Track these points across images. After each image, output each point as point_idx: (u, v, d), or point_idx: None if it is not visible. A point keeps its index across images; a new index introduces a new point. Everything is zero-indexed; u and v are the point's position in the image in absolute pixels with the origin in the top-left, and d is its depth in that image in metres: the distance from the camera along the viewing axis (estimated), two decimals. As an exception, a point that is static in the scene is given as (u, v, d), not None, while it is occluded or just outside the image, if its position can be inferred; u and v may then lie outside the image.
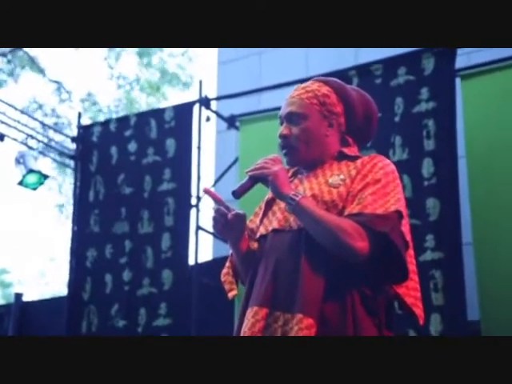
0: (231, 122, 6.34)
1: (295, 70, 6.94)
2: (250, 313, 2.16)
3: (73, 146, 6.91)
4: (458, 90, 5.18)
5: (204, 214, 6.51)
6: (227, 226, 2.29)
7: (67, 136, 7.32)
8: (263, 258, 2.24)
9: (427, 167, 5.02)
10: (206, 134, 7.58)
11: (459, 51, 5.16)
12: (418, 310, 2.21)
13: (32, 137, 6.81)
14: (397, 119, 5.21)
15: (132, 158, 6.32)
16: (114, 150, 6.42)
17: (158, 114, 6.41)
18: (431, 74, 5.17)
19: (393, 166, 2.25)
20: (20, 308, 7.28)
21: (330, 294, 2.09)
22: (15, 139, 6.60)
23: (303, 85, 2.38)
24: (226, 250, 2.47)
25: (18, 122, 6.62)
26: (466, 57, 5.53)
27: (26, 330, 6.99)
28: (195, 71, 14.53)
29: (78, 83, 17.83)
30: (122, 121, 6.61)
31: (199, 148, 6.12)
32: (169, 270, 5.88)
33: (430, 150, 5.04)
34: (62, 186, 13.35)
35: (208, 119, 6.28)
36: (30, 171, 6.46)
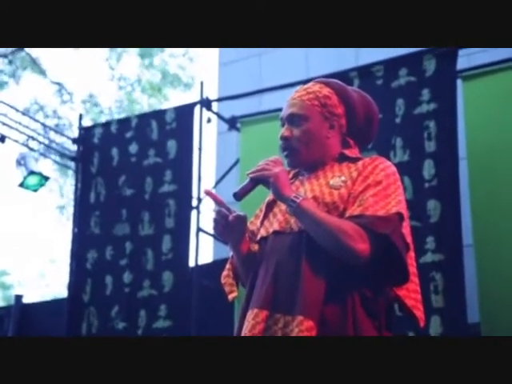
0: (232, 123, 6.34)
1: (296, 71, 6.94)
2: (250, 315, 2.15)
3: (74, 147, 6.91)
4: (459, 91, 5.18)
5: (205, 216, 6.52)
6: (228, 228, 2.29)
7: (68, 137, 7.32)
8: (264, 260, 2.23)
9: (428, 169, 5.02)
10: (207, 135, 7.59)
11: (460, 52, 5.16)
12: (419, 313, 2.21)
13: (33, 138, 6.81)
14: (398, 120, 5.21)
15: (133, 159, 6.31)
16: (115, 151, 6.42)
17: (159, 115, 6.40)
18: (432, 75, 5.16)
19: (394, 168, 2.25)
20: (20, 310, 7.27)
21: (331, 296, 2.09)
22: (16, 141, 6.60)
23: (304, 86, 2.38)
24: (227, 251, 2.46)
25: (19, 123, 6.62)
26: (467, 58, 5.52)
27: (26, 331, 6.99)
28: (196, 72, 14.56)
29: (80, 84, 17.86)
30: (123, 122, 6.61)
31: (200, 149, 6.12)
32: (169, 271, 5.87)
33: (430, 152, 5.04)
34: (62, 188, 13.36)
35: (209, 120, 6.27)
36: (31, 173, 6.45)
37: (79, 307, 6.18)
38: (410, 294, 2.20)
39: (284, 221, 2.25)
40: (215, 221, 2.29)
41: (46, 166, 10.68)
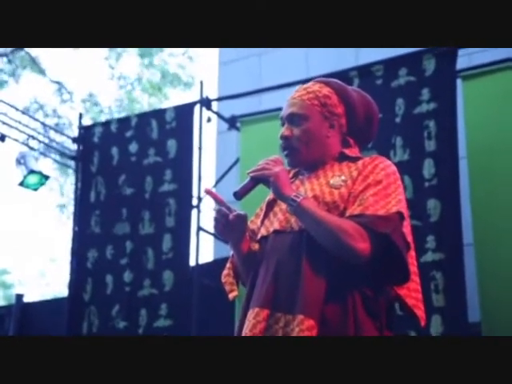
0: (232, 122, 6.35)
1: (296, 70, 6.94)
2: (251, 314, 2.16)
3: (74, 146, 6.91)
4: (458, 90, 5.18)
5: (205, 215, 6.52)
6: (228, 227, 2.29)
7: (68, 137, 7.32)
8: (264, 260, 2.23)
9: (428, 168, 5.02)
10: (207, 134, 7.59)
11: (460, 52, 5.16)
12: (420, 312, 2.21)
13: (33, 137, 6.81)
14: (398, 120, 5.21)
15: (133, 158, 6.31)
16: (115, 150, 6.42)
17: (159, 114, 6.41)
18: (432, 74, 5.17)
19: (394, 167, 2.25)
20: (21, 309, 7.28)
21: (331, 296, 2.09)
22: (16, 140, 6.60)
23: (304, 86, 2.38)
24: (227, 250, 2.47)
25: (19, 122, 6.62)
26: (467, 58, 5.53)
27: (27, 330, 6.99)
28: (196, 71, 14.56)
29: (80, 84, 17.86)
30: (123, 121, 6.61)
31: (200, 149, 6.12)
32: (170, 271, 5.87)
33: (430, 151, 5.04)
34: (63, 187, 13.36)
35: (209, 120, 6.27)
36: (31, 172, 6.46)
37: (80, 306, 6.19)
38: (411, 293, 2.20)
39: (284, 220, 2.25)
40: (216, 220, 2.30)
41: (46, 165, 10.70)
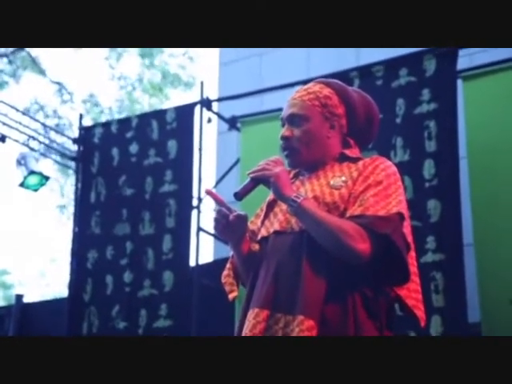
0: (232, 123, 6.34)
1: (296, 71, 6.94)
2: (250, 314, 2.16)
3: (74, 147, 6.91)
4: (459, 91, 5.18)
5: (205, 216, 6.52)
6: (228, 228, 2.29)
7: (69, 137, 7.32)
8: (264, 260, 2.23)
9: (428, 168, 5.02)
10: (208, 135, 7.60)
11: (461, 52, 5.16)
12: (420, 312, 2.21)
13: (33, 138, 6.81)
14: (398, 120, 5.21)
15: (133, 159, 6.32)
16: (115, 151, 6.42)
17: (159, 115, 6.41)
18: (433, 75, 5.17)
19: (394, 168, 2.25)
20: (21, 309, 7.28)
21: (332, 296, 2.09)
22: (16, 140, 6.60)
23: (305, 86, 2.38)
24: (227, 251, 2.47)
25: (20, 123, 6.62)
26: (467, 58, 5.53)
27: (27, 331, 6.99)
28: (196, 71, 14.56)
29: (80, 84, 17.86)
30: (124, 122, 6.61)
31: (200, 149, 6.12)
32: (170, 271, 5.87)
33: (431, 152, 5.04)
34: (63, 188, 13.36)
35: (209, 120, 6.28)
36: (32, 173, 6.46)
37: (80, 307, 6.19)
38: (411, 293, 2.20)
39: (285, 221, 2.25)
40: (216, 220, 2.29)
41: (47, 165, 10.69)
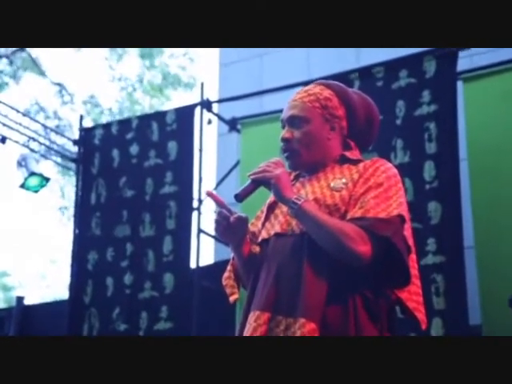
0: (233, 124, 6.34)
1: (297, 72, 6.93)
2: (251, 317, 2.15)
3: (75, 148, 6.91)
4: (459, 92, 5.17)
5: (206, 217, 6.52)
6: (229, 229, 2.28)
7: (69, 139, 7.32)
8: (265, 262, 2.23)
9: (429, 170, 5.01)
10: (208, 136, 7.60)
11: (461, 54, 5.16)
12: (420, 315, 2.20)
13: (34, 139, 6.81)
14: (398, 122, 5.20)
15: (134, 160, 6.31)
16: (115, 152, 6.42)
17: (159, 116, 6.41)
18: (433, 76, 5.16)
19: (395, 170, 2.25)
20: (21, 311, 7.27)
21: (333, 299, 2.09)
22: (17, 142, 6.60)
23: (305, 88, 2.37)
24: (228, 253, 2.46)
25: (20, 124, 6.62)
26: (468, 59, 5.52)
27: (28, 333, 6.98)
28: (197, 72, 14.57)
29: (80, 85, 17.86)
30: (124, 123, 6.61)
31: (201, 151, 6.12)
32: (170, 273, 5.87)
33: (431, 153, 5.04)
34: (63, 189, 13.36)
35: (209, 122, 6.27)
36: (32, 174, 6.46)
37: (80, 309, 6.18)
38: (412, 296, 2.20)
39: (285, 223, 2.25)
40: (216, 222, 2.29)
41: (47, 167, 10.68)
